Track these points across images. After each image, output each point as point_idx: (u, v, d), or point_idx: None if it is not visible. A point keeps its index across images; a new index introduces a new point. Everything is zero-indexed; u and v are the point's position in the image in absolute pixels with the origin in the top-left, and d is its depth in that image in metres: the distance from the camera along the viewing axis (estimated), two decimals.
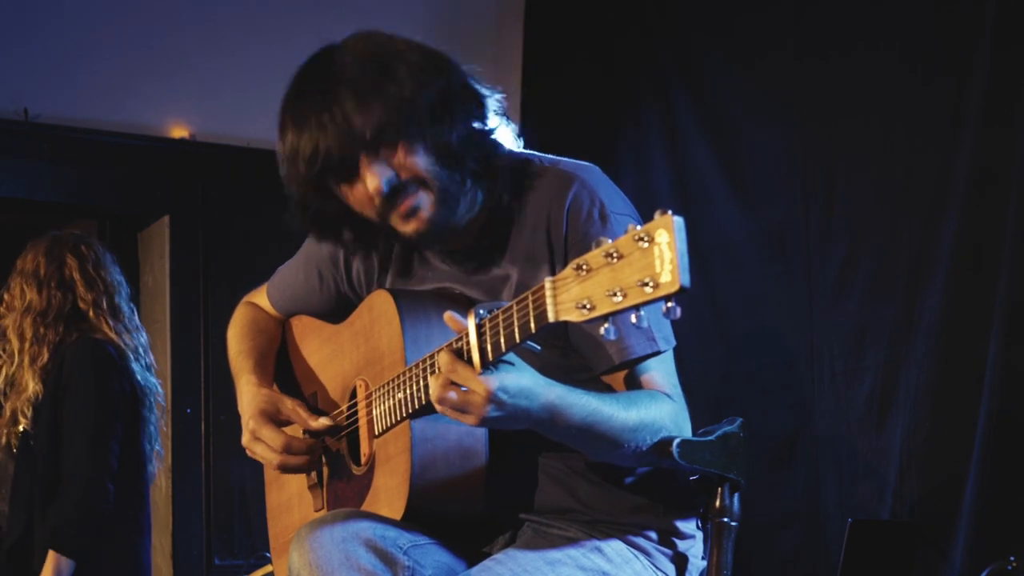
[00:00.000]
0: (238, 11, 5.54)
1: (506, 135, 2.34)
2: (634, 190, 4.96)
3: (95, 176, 5.36)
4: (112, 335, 3.98)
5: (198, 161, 5.44)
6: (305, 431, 2.47)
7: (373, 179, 2.21)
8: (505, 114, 2.34)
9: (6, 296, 4.01)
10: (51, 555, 3.76)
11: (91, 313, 3.99)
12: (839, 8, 4.53)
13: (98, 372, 3.90)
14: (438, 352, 2.04)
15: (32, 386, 3.86)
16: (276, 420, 2.45)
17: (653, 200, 5.05)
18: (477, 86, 2.30)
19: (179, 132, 5.42)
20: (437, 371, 2.02)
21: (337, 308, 2.58)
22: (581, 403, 2.10)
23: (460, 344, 2.02)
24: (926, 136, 4.15)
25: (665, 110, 5.19)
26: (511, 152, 2.38)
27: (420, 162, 2.21)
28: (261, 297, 2.75)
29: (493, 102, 2.31)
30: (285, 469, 2.43)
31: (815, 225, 4.53)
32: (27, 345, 3.92)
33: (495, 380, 1.97)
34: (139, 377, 3.99)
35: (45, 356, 3.90)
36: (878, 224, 4.31)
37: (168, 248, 5.44)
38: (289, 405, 2.46)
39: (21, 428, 3.86)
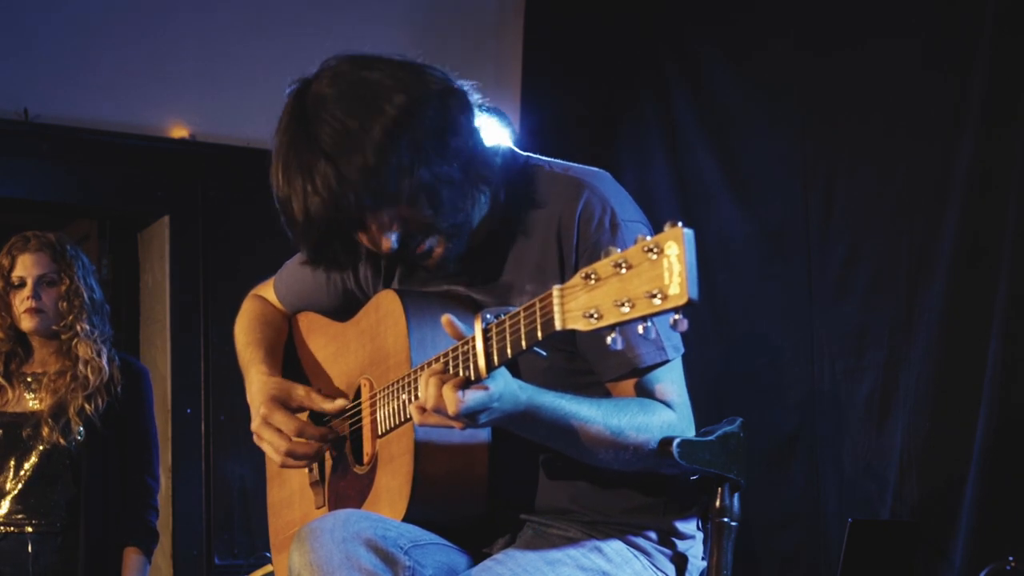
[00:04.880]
0: (238, 11, 5.54)
1: (503, 134, 2.34)
2: (634, 190, 4.92)
3: (95, 176, 5.35)
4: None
5: (198, 161, 5.44)
6: (317, 414, 2.48)
7: (383, 240, 2.21)
8: (498, 110, 2.33)
9: (64, 290, 4.02)
10: (136, 555, 3.98)
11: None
12: (839, 8, 4.54)
13: (149, 385, 4.15)
14: (422, 375, 2.07)
15: (97, 395, 3.94)
16: (288, 407, 2.45)
17: (653, 200, 5.05)
18: (459, 90, 2.24)
19: (179, 132, 5.42)
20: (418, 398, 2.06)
21: (343, 305, 2.58)
22: (553, 406, 2.13)
23: (465, 349, 2.02)
24: (926, 136, 4.16)
25: (665, 110, 5.19)
26: (521, 156, 2.38)
27: (422, 213, 2.18)
28: (268, 291, 2.76)
29: (475, 99, 2.27)
30: (293, 455, 2.41)
31: (815, 225, 4.53)
32: (92, 349, 3.97)
33: (463, 400, 2.00)
34: None
35: (104, 362, 3.96)
36: (878, 224, 4.32)
37: (168, 248, 5.43)
38: (301, 391, 2.45)
39: (80, 431, 3.90)
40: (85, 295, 3.99)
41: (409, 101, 2.15)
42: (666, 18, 5.25)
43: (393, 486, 2.27)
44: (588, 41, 5.56)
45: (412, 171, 2.13)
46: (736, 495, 2.36)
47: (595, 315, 1.77)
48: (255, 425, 2.44)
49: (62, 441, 3.88)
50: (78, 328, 3.96)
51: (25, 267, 3.99)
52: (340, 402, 2.44)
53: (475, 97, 2.27)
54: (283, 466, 2.46)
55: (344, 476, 2.45)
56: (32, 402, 3.97)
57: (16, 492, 3.91)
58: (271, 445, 2.42)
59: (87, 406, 3.89)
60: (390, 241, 2.20)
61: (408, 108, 2.14)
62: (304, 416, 2.47)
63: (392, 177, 2.12)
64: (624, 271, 1.74)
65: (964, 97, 4.03)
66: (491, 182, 2.27)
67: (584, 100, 5.56)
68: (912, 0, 4.26)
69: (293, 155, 2.17)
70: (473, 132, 2.23)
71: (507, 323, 1.95)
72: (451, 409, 2.00)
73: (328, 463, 2.53)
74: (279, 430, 2.40)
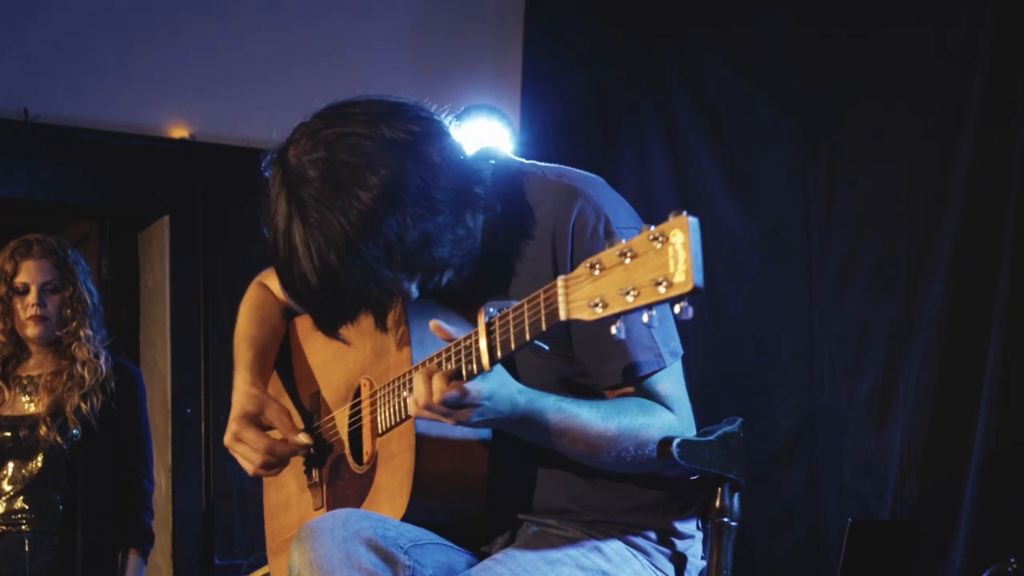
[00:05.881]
0: (238, 11, 5.54)
1: (503, 135, 2.34)
2: (634, 190, 4.96)
3: (95, 176, 5.36)
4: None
5: (198, 161, 5.44)
6: (310, 410, 2.50)
7: (402, 293, 2.21)
8: (498, 110, 2.33)
9: (67, 295, 4.03)
10: (133, 556, 4.03)
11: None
12: (840, 9, 4.53)
13: (143, 387, 4.18)
14: (417, 371, 2.08)
15: (93, 394, 3.93)
16: (258, 422, 2.47)
17: (653, 200, 5.05)
18: (436, 132, 2.21)
19: (179, 132, 5.42)
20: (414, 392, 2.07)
21: None
22: (552, 409, 2.13)
23: (468, 343, 2.03)
24: (926, 135, 4.16)
25: (665, 110, 5.19)
26: (515, 164, 2.38)
27: (425, 263, 2.18)
28: (273, 279, 2.76)
29: (450, 129, 2.25)
30: (265, 470, 2.46)
31: (815, 225, 4.53)
32: (90, 351, 3.98)
33: (447, 390, 2.01)
34: None
35: (101, 362, 3.97)
36: (878, 224, 4.32)
37: (168, 248, 5.43)
38: (275, 409, 2.47)
39: (76, 436, 3.92)
40: (88, 300, 4.01)
41: (389, 175, 2.13)
42: (666, 18, 5.25)
43: (393, 484, 2.27)
44: (588, 41, 5.56)
45: (402, 240, 2.14)
46: (736, 495, 2.36)
47: (600, 304, 1.77)
48: (227, 440, 2.48)
49: (59, 440, 3.90)
50: (80, 333, 3.98)
51: (29, 273, 4.00)
52: (304, 438, 2.45)
53: (450, 125, 2.25)
54: (254, 475, 2.50)
55: (343, 476, 2.45)
56: (28, 405, 3.99)
57: (13, 492, 3.93)
58: (243, 459, 2.47)
59: (83, 405, 3.91)
60: (408, 292, 2.22)
61: (388, 184, 2.13)
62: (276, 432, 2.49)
63: (381, 253, 2.13)
64: (629, 260, 1.74)
65: (964, 97, 4.02)
66: (484, 200, 2.26)
67: (584, 100, 5.56)
68: (912, 1, 4.26)
69: (294, 237, 2.16)
70: (457, 169, 2.21)
71: (510, 315, 1.95)
72: (435, 397, 2.01)
73: (326, 464, 2.53)
74: (250, 447, 2.45)
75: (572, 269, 2.22)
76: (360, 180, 2.12)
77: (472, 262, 2.27)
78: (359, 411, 2.42)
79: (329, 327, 2.29)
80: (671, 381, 2.26)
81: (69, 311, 4.00)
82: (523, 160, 2.41)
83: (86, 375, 3.94)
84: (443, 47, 5.73)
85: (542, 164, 2.40)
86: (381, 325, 2.42)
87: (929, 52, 4.18)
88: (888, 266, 4.26)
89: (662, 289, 1.70)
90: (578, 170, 2.38)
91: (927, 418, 4.09)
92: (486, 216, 2.29)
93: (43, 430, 3.91)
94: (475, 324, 2.01)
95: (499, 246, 2.32)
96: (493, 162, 2.34)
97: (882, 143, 4.33)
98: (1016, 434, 3.79)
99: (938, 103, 4.12)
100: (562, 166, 2.39)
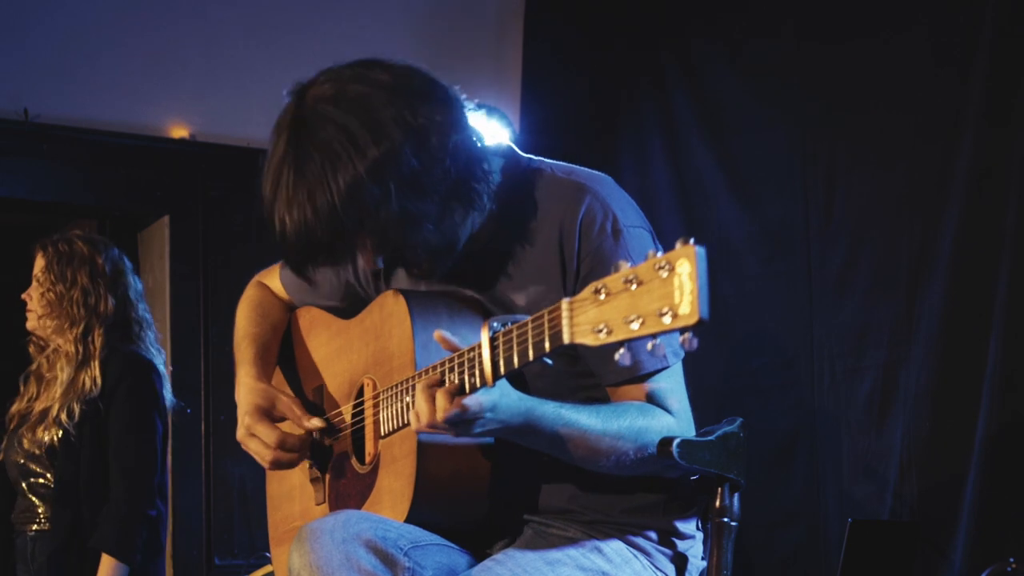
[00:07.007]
0: (238, 12, 5.54)
1: (503, 134, 2.33)
2: (634, 190, 4.92)
3: (95, 176, 5.35)
4: (145, 347, 4.09)
5: (198, 161, 5.44)
6: (314, 405, 2.50)
7: (366, 260, 2.23)
8: (498, 110, 2.32)
9: (52, 294, 3.99)
10: (108, 562, 3.84)
11: (134, 324, 4.09)
12: (839, 8, 4.54)
13: (148, 382, 4.01)
14: (418, 384, 2.08)
15: (74, 399, 3.89)
16: (271, 416, 2.47)
17: (653, 200, 5.05)
18: (447, 120, 2.21)
19: (179, 132, 5.42)
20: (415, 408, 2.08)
21: (345, 296, 2.59)
22: (551, 415, 2.13)
23: (472, 355, 2.03)
24: (926, 136, 4.16)
25: (665, 110, 5.20)
26: (523, 159, 2.38)
27: (397, 243, 2.20)
28: (273, 278, 2.76)
29: (469, 116, 2.26)
30: (278, 465, 2.46)
31: (815, 225, 4.53)
32: (78, 349, 3.94)
33: (451, 408, 2.02)
34: (167, 391, 4.12)
35: (95, 363, 3.93)
36: (878, 224, 4.32)
37: (168, 248, 5.43)
38: (285, 401, 2.48)
39: (58, 433, 3.88)
40: (81, 301, 3.96)
41: (388, 150, 2.14)
42: (666, 17, 5.25)
43: (395, 487, 2.27)
44: (588, 41, 5.57)
45: (379, 212, 2.14)
46: (736, 495, 2.36)
47: (604, 330, 1.76)
48: (240, 435, 2.49)
49: (42, 445, 3.89)
50: (69, 334, 3.94)
51: (35, 267, 4.05)
52: (317, 421, 2.46)
53: (469, 113, 2.26)
54: (270, 468, 2.50)
55: (345, 474, 2.46)
56: (39, 404, 4.00)
57: (20, 493, 3.95)
58: (256, 454, 2.47)
59: (63, 414, 3.87)
60: (373, 263, 2.24)
61: (383, 159, 2.13)
62: (290, 425, 2.49)
63: (357, 217, 2.14)
64: (635, 287, 1.73)
65: (964, 97, 4.03)
66: (482, 198, 2.26)
67: (584, 99, 5.56)
68: (912, 1, 4.27)
69: (282, 175, 2.18)
70: (460, 164, 2.21)
71: (514, 333, 1.95)
72: (439, 416, 2.02)
73: (329, 460, 2.53)
74: (263, 441, 2.44)
75: (579, 266, 2.24)
76: (360, 149, 2.13)
77: (446, 259, 2.27)
78: (362, 410, 2.42)
79: (294, 267, 2.30)
80: (672, 381, 2.27)
81: (49, 307, 3.97)
82: (531, 156, 2.42)
83: (64, 382, 3.92)
84: (443, 46, 5.73)
85: (551, 161, 2.40)
86: (357, 299, 2.45)
87: (929, 52, 4.18)
88: (888, 266, 4.26)
89: (667, 320, 1.68)
90: (587, 168, 2.39)
91: (927, 418, 4.09)
92: (490, 212, 2.29)
93: (29, 434, 3.92)
94: (482, 319, 2.01)
95: (506, 240, 2.32)
96: (502, 158, 2.34)
97: (882, 144, 4.34)
98: (1016, 434, 3.79)
99: (938, 104, 4.12)
100: (571, 164, 2.40)
